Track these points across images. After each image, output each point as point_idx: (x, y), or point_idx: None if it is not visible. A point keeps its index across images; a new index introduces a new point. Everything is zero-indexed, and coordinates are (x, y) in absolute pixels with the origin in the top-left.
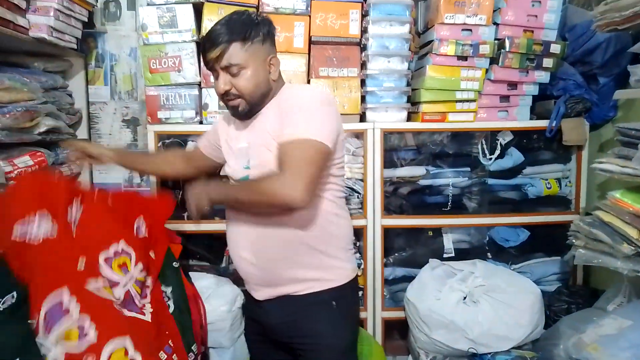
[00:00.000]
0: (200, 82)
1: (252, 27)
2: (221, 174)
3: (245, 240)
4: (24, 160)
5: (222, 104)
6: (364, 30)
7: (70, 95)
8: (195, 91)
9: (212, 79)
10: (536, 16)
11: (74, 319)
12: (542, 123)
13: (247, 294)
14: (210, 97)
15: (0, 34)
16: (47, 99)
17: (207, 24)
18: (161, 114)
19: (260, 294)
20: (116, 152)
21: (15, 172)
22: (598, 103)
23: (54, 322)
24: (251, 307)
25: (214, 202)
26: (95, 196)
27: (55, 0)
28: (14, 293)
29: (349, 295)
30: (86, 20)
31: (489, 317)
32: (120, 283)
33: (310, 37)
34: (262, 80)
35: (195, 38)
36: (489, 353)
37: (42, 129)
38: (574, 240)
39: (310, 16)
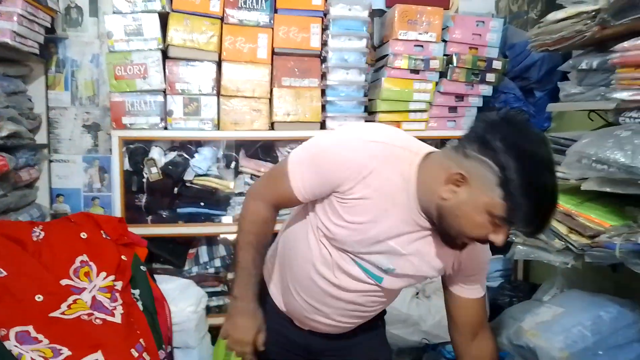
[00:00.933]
0: (165, 89)
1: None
2: (317, 218)
3: (327, 310)
4: None
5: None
6: (324, 43)
7: (30, 100)
8: (161, 98)
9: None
10: (480, 35)
11: (46, 344)
12: None
13: (278, 310)
14: (175, 104)
15: None
16: (8, 104)
17: (173, 34)
18: (126, 120)
19: (310, 327)
20: (256, 307)
21: None
22: (535, 115)
23: (25, 342)
24: (284, 327)
25: None
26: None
27: (19, 6)
28: None
29: (385, 311)
30: (49, 26)
31: (440, 309)
32: (87, 289)
33: (273, 49)
34: None
35: (160, 47)
36: (440, 343)
37: (4, 133)
38: (514, 238)
39: (273, 29)
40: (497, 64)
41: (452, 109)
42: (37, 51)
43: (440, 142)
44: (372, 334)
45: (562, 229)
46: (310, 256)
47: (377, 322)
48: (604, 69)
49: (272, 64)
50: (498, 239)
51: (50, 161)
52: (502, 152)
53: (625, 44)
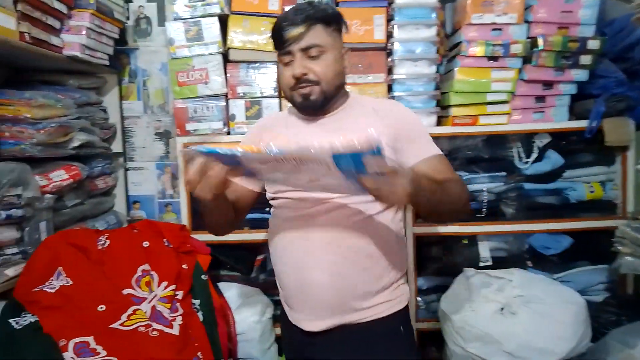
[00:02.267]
0: (226, 94)
1: (335, 13)
2: (270, 191)
3: (320, 260)
4: (59, 174)
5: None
6: (389, 35)
7: (105, 111)
8: (222, 102)
9: (278, 68)
10: (571, 11)
11: (102, 356)
12: (581, 124)
13: (289, 329)
14: (237, 108)
15: (36, 54)
16: (80, 115)
17: (233, 36)
18: (189, 126)
19: (320, 324)
20: None
21: (51, 185)
22: None
23: (83, 354)
24: (298, 346)
25: (412, 197)
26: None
27: (87, 20)
28: (31, 319)
29: (409, 317)
30: (117, 37)
31: (528, 328)
32: (147, 299)
33: None
34: (340, 71)
35: (221, 50)
36: None
37: (76, 143)
38: (619, 247)
39: None
40: (593, 44)
41: (539, 98)
42: (107, 62)
43: (525, 137)
44: (394, 342)
45: None
46: (279, 225)
47: (399, 328)
48: None
49: None
50: (294, 69)
51: (127, 169)
52: None
53: None
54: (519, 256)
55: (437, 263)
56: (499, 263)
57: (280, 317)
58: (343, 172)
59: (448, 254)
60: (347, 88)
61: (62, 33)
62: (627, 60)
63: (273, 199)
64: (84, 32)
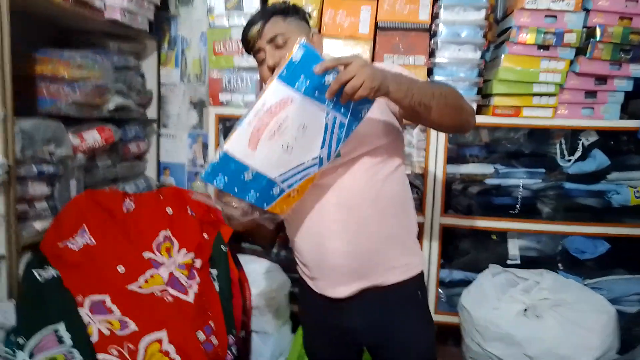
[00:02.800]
0: None
1: (287, 6)
2: None
3: (336, 228)
4: (92, 135)
5: None
6: (435, 16)
7: (143, 76)
8: (257, 75)
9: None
10: (637, 1)
11: (117, 316)
12: (634, 123)
13: (314, 299)
14: None
15: (78, 15)
16: (118, 78)
17: None
18: (223, 97)
19: (344, 290)
20: None
21: (84, 145)
22: None
23: (98, 311)
24: (323, 311)
25: (386, 90)
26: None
27: None
28: (53, 273)
29: (424, 284)
30: (158, 3)
31: (553, 334)
32: (165, 264)
33: (376, 23)
34: None
35: None
36: None
37: (112, 106)
38: None
39: (377, 1)
40: None
41: (590, 93)
42: (147, 28)
43: (570, 134)
44: (413, 307)
45: None
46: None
47: (417, 293)
48: None
49: (374, 40)
50: (266, 64)
51: (159, 135)
52: None
53: None
54: (551, 257)
55: (463, 256)
56: (528, 263)
57: (299, 293)
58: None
59: (475, 249)
60: None
61: None
62: None
63: None
64: None
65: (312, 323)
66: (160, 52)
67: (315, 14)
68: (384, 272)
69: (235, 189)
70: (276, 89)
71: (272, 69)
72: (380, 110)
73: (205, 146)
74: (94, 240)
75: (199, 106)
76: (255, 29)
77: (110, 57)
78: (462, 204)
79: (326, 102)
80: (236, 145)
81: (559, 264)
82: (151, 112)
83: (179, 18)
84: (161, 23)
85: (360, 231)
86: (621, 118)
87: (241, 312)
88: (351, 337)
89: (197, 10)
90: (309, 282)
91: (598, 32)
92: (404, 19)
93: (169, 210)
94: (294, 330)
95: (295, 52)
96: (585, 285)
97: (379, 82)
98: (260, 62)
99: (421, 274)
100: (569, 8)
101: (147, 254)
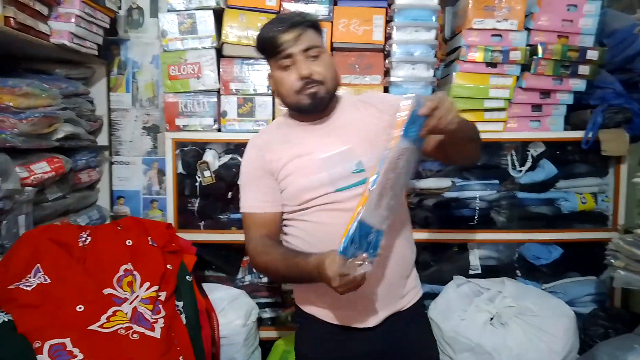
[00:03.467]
0: (219, 89)
1: (318, 20)
2: (288, 206)
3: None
4: (41, 167)
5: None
6: (388, 37)
7: (92, 102)
8: (214, 98)
9: (279, 73)
10: (572, 21)
11: (79, 359)
12: (577, 134)
13: (324, 328)
14: (229, 105)
15: (22, 40)
16: (66, 105)
17: (228, 31)
18: (179, 121)
19: (375, 319)
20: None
21: (32, 177)
22: (639, 113)
23: (58, 357)
24: (338, 343)
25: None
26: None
27: (77, 7)
28: (4, 318)
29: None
30: (108, 27)
31: (520, 341)
32: (128, 300)
33: (332, 44)
34: (335, 71)
35: (215, 45)
36: None
37: (61, 135)
38: (612, 260)
39: (332, 22)
40: (593, 54)
41: (536, 107)
42: (96, 52)
43: (520, 145)
44: (423, 326)
45: None
46: (313, 225)
47: (424, 312)
48: None
49: None
50: (300, 70)
51: (112, 163)
52: None
53: None
54: (509, 265)
55: (427, 269)
56: (489, 272)
57: (299, 326)
58: (412, 141)
59: (438, 261)
60: (343, 89)
61: (50, 20)
62: (626, 72)
63: (299, 209)
64: (73, 20)
65: (321, 356)
66: (110, 77)
67: None
68: (402, 298)
69: (364, 253)
70: (400, 144)
71: (303, 78)
72: None
73: (161, 172)
74: (48, 279)
75: (152, 131)
76: (292, 35)
77: (58, 84)
78: (420, 217)
79: (414, 140)
80: (367, 211)
81: (517, 271)
82: (102, 139)
83: (128, 42)
84: (110, 47)
85: (388, 258)
86: (565, 129)
87: (210, 343)
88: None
89: (148, 33)
90: (323, 314)
91: (540, 49)
92: (359, 39)
93: (129, 242)
94: (264, 357)
95: (412, 105)
96: (543, 289)
97: (457, 115)
98: (284, 68)
99: (423, 295)
100: (513, 27)
101: (107, 290)
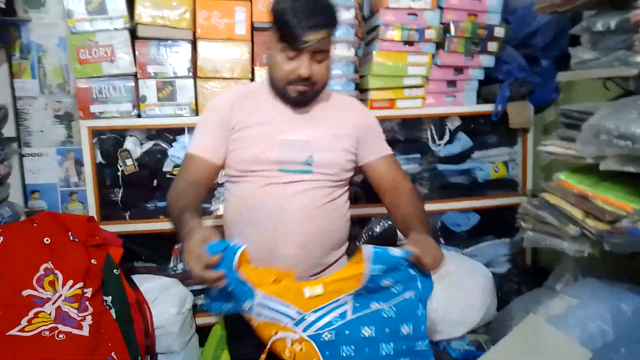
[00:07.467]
0: (136, 73)
1: (337, 17)
2: (231, 168)
3: (295, 233)
4: None
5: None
6: None
7: None
8: (131, 82)
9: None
10: (479, 0)
11: None
12: (488, 107)
13: None
14: (148, 89)
15: None
16: None
17: (141, 10)
18: (94, 108)
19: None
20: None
21: None
22: (541, 85)
23: None
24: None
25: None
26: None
27: None
28: None
29: None
30: (3, 6)
31: (443, 303)
32: (50, 300)
33: (252, 24)
34: (329, 72)
35: (128, 25)
36: (444, 340)
37: None
38: (522, 223)
39: (251, 1)
40: (499, 31)
41: (451, 83)
42: None
43: (439, 120)
44: None
45: (577, 214)
46: (250, 194)
47: None
48: (624, 29)
49: (252, 41)
50: (301, 68)
51: (22, 155)
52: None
53: None
54: (433, 233)
55: (355, 242)
56: None
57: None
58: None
59: (366, 234)
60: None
61: None
62: (528, 47)
63: (240, 175)
64: None
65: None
66: (12, 62)
67: (188, 16)
68: (327, 269)
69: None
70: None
71: (303, 78)
72: (352, 154)
73: (78, 162)
74: None
75: (65, 119)
76: (317, 37)
77: None
78: (354, 193)
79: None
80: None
81: (440, 239)
82: (9, 130)
83: (29, 23)
84: (8, 28)
85: (315, 240)
86: (478, 103)
87: (144, 335)
88: None
89: (50, 13)
90: None
91: (452, 27)
92: None
93: (47, 239)
94: (201, 344)
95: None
96: (463, 254)
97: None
98: (287, 56)
99: None
100: (427, 6)
101: (26, 292)
